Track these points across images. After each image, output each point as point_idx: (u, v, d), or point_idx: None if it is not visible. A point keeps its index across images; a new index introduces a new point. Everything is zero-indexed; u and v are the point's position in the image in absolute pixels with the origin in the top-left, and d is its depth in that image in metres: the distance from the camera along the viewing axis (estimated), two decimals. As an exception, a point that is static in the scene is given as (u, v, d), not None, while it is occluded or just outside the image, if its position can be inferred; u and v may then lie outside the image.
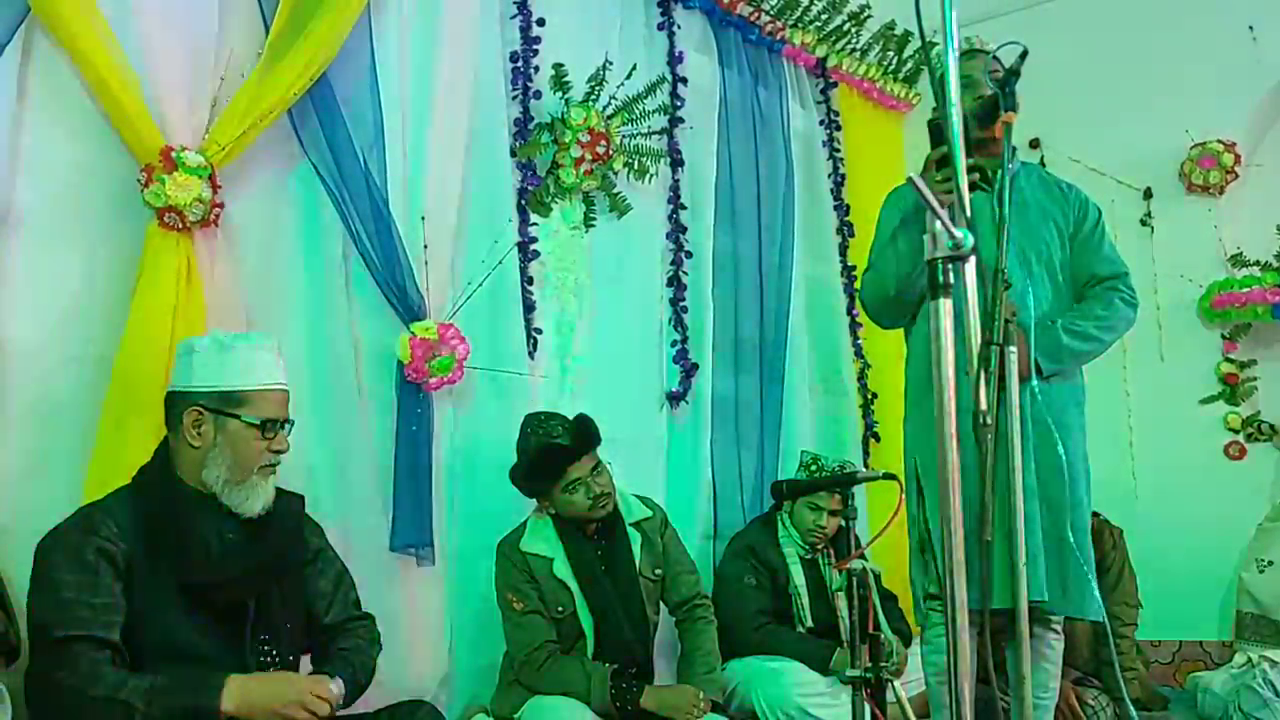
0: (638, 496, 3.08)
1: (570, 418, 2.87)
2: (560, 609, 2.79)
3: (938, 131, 2.16)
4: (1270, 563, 3.97)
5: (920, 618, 2.68)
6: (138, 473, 2.10)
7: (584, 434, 2.82)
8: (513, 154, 3.34)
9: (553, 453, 2.78)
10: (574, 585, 2.80)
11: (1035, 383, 2.40)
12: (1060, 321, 2.59)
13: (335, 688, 2.00)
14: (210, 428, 2.03)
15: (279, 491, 2.17)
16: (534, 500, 2.91)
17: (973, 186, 2.03)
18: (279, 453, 2.10)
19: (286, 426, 2.13)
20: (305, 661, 2.24)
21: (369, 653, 2.23)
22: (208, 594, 1.99)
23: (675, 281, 3.90)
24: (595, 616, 2.80)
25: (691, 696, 2.74)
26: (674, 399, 3.84)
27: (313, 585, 2.23)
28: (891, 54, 5.00)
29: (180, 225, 2.43)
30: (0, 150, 2.30)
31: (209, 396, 2.03)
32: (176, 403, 2.06)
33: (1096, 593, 2.42)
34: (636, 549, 2.93)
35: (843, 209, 4.71)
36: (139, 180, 2.41)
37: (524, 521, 2.91)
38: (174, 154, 2.41)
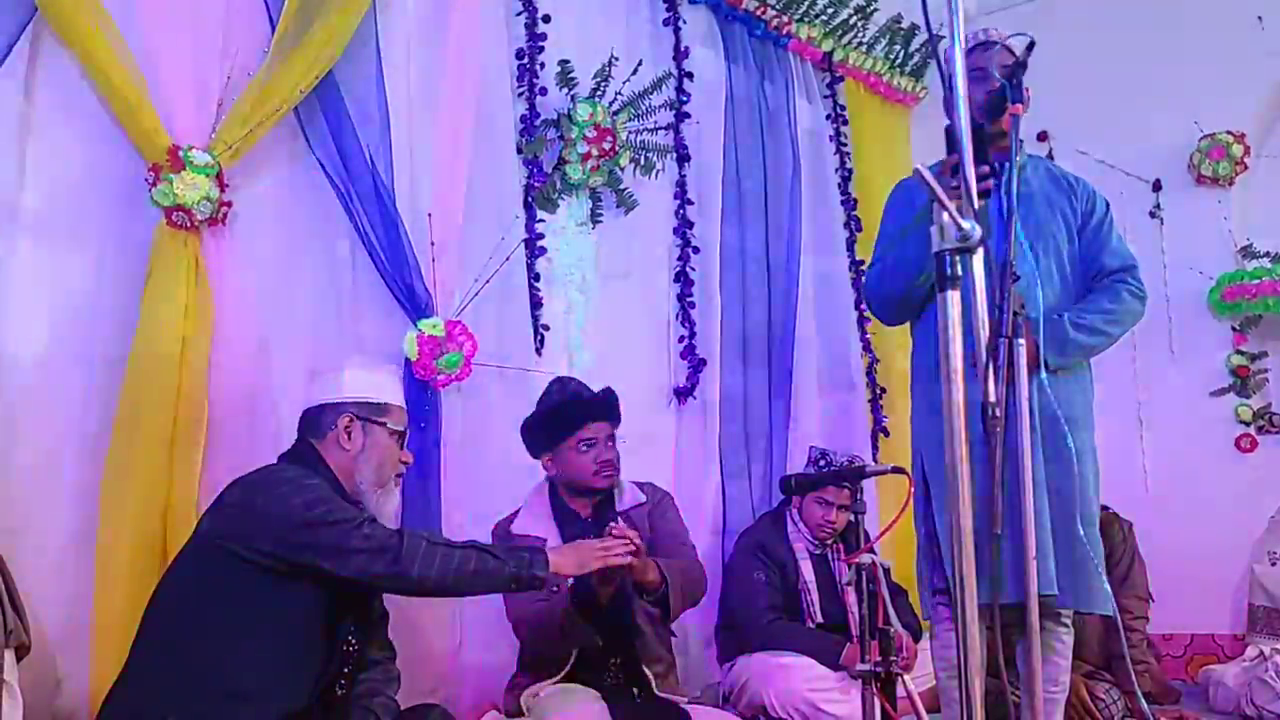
0: (635, 483, 2.98)
1: (598, 387, 2.85)
2: (555, 589, 2.66)
3: (951, 136, 2.15)
4: (1282, 555, 3.96)
5: (928, 612, 2.67)
6: (290, 457, 2.16)
7: (610, 401, 2.82)
8: (519, 150, 3.35)
9: (579, 404, 2.77)
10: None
11: (1044, 375, 2.39)
12: (1067, 315, 2.57)
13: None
14: (360, 434, 2.17)
15: None
16: (528, 485, 2.85)
17: (985, 192, 2.02)
18: (407, 464, 2.28)
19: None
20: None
21: (389, 694, 2.23)
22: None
23: (682, 277, 3.90)
24: (579, 600, 2.60)
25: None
26: (681, 395, 3.84)
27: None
28: (898, 47, 4.99)
29: (188, 224, 2.44)
30: (8, 151, 2.32)
31: (360, 406, 2.18)
32: (326, 412, 2.18)
33: (1106, 586, 2.41)
34: None
35: (850, 203, 4.70)
36: (147, 180, 2.42)
37: (517, 509, 2.86)
38: (181, 153, 2.42)
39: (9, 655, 2.04)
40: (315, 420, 2.19)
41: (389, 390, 2.26)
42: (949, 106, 1.69)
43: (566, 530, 2.78)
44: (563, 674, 2.67)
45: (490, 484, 3.10)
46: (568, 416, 2.77)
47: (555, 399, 2.82)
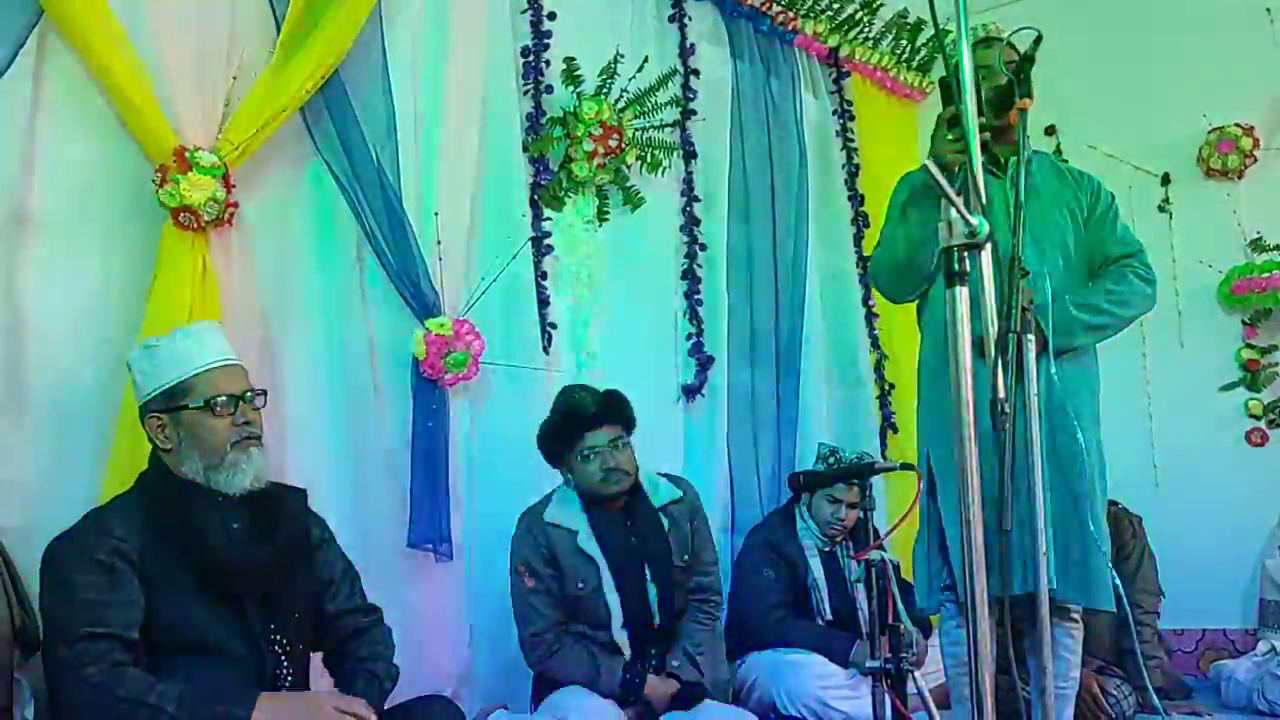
0: (668, 476, 3.03)
1: (602, 390, 2.87)
2: (581, 584, 2.76)
3: (949, 89, 2.13)
4: (1293, 549, 3.95)
5: (931, 608, 2.65)
6: (138, 478, 2.11)
7: (609, 405, 2.83)
8: (525, 149, 3.34)
9: (572, 415, 2.80)
10: (600, 559, 2.77)
11: (1053, 370, 2.37)
12: (1069, 296, 2.55)
13: (364, 711, 1.96)
14: (170, 428, 2.03)
15: (281, 486, 2.19)
16: (558, 474, 2.91)
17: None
18: (246, 424, 2.06)
19: (253, 397, 2.09)
20: (315, 660, 2.23)
21: (388, 657, 2.21)
22: (220, 582, 1.99)
23: (689, 274, 3.89)
24: (622, 592, 2.76)
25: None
26: (690, 392, 3.83)
27: (317, 575, 2.21)
28: (904, 42, 4.97)
29: (195, 225, 2.44)
30: (15, 152, 2.32)
31: (157, 399, 2.04)
32: (140, 418, 2.08)
33: (1115, 583, 2.40)
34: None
35: (857, 199, 4.69)
36: (153, 181, 2.42)
37: (550, 492, 2.90)
38: (188, 154, 2.42)
39: (17, 653, 2.04)
40: (143, 427, 2.08)
41: (181, 362, 2.04)
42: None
43: (600, 521, 2.81)
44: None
45: (498, 483, 3.10)
46: (566, 429, 2.82)
47: (557, 412, 2.87)
